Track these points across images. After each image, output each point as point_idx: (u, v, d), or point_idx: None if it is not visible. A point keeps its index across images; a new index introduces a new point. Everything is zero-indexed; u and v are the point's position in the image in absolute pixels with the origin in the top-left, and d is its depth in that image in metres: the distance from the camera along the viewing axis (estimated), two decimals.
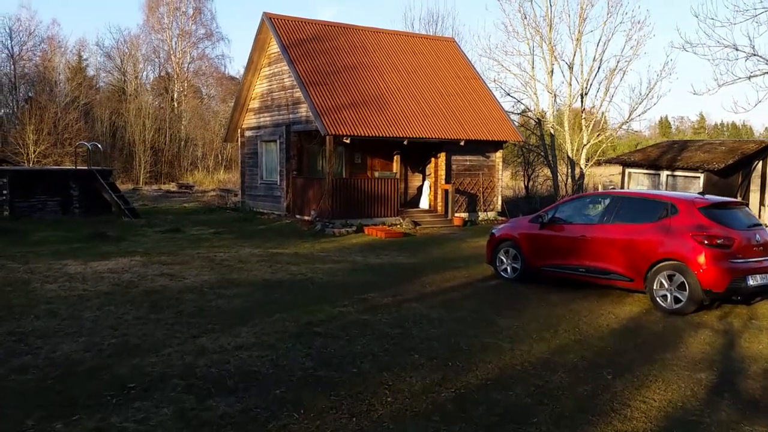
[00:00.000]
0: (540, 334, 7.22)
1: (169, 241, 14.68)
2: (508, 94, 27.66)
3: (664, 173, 19.28)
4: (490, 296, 9.39)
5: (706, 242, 8.22)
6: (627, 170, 20.43)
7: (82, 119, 46.44)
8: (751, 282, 8.28)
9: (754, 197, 18.62)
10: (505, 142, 21.05)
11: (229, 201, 26.55)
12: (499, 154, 21.06)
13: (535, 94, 27.76)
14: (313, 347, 6.34)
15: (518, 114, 29.17)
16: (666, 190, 19.23)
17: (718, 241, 8.19)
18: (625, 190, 10.77)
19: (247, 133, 22.37)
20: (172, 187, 39.76)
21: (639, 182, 20.25)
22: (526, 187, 30.53)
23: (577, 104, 26.91)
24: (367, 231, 17.16)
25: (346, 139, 17.67)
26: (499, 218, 20.99)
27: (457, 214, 19.84)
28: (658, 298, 8.59)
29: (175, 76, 54.16)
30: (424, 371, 5.75)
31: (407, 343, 6.66)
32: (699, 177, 18.33)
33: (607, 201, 9.62)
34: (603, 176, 27.98)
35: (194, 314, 7.57)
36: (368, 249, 14.49)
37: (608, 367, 6.10)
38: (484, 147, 20.67)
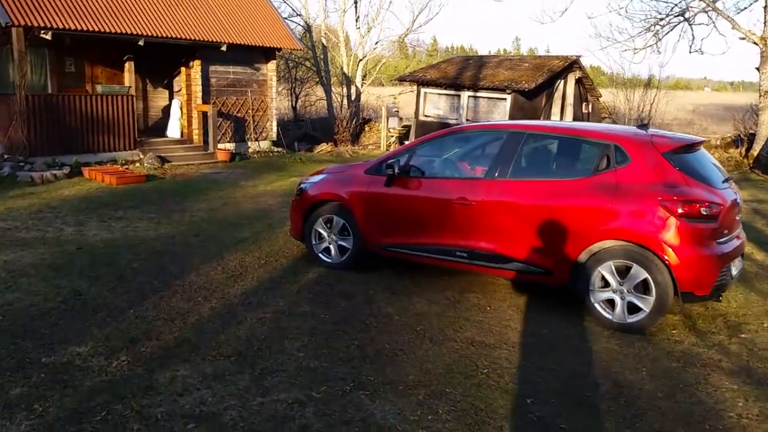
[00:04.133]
0: None
1: None
2: None
3: (466, 94, 16.51)
4: (319, 317, 5.16)
5: (682, 211, 4.94)
6: (422, 90, 17.29)
7: None
8: (734, 271, 5.30)
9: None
10: (279, 50, 16.36)
11: None
12: (271, 65, 16.32)
13: None
14: None
15: (283, 19, 24.31)
16: (467, 114, 16.55)
17: (703, 210, 4.95)
18: (531, 122, 7.06)
19: None
20: None
21: (435, 105, 17.29)
22: (294, 108, 26.18)
23: (352, 12, 23.00)
24: (89, 174, 11.55)
25: (46, 33, 11.47)
26: (275, 149, 16.55)
27: (221, 146, 14.91)
28: (598, 305, 5.21)
29: None
30: None
31: None
32: (506, 99, 15.88)
33: (502, 140, 5.85)
34: (382, 97, 24.87)
35: None
36: (89, 207, 9.16)
37: None
38: (252, 56, 15.75)
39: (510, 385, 4.05)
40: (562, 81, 16.82)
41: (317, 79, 24.50)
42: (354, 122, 20.59)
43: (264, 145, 16.46)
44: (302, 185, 6.99)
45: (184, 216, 9.00)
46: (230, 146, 15.36)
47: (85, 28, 11.91)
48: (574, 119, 16.89)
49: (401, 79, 17.80)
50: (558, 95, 16.88)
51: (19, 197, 9.69)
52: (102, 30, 12.18)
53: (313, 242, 6.71)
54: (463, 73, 16.93)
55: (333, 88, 23.05)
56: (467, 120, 16.38)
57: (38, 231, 7.64)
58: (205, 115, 14.67)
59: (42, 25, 11.28)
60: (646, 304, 4.99)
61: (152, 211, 9.17)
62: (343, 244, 6.54)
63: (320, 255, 6.68)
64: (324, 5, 23.48)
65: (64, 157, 12.12)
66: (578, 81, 17.27)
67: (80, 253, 6.74)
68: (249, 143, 16.06)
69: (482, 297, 5.79)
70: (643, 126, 5.70)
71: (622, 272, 5.09)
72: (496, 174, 5.65)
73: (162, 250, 7.02)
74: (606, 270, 5.14)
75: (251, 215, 9.26)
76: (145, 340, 4.48)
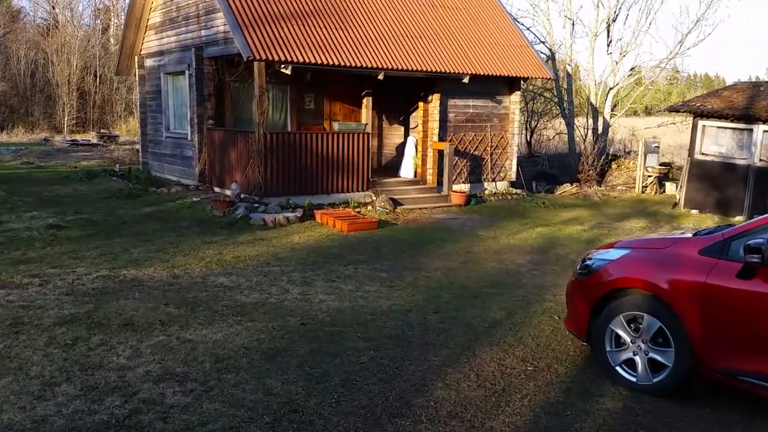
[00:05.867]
0: None
1: None
2: (516, 20, 20.95)
3: (761, 128, 13.09)
4: None
5: None
6: (700, 122, 14.18)
7: None
8: None
9: None
10: (525, 79, 14.56)
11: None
12: (515, 97, 14.56)
13: (548, 19, 21.24)
14: None
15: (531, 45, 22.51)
16: (761, 153, 13.12)
17: None
18: None
19: (148, 63, 15.38)
20: (91, 137, 32.42)
21: (715, 140, 14.05)
22: (529, 143, 24.13)
23: (604, 36, 20.41)
24: (321, 218, 10.70)
25: (285, 67, 10.96)
26: (513, 191, 14.68)
27: (455, 187, 13.43)
28: None
29: (112, 7, 45.96)
30: None
31: None
32: None
33: None
34: (636, 130, 21.76)
35: None
36: (317, 261, 8.06)
37: None
38: (495, 87, 14.15)
39: None
40: None
41: (555, 112, 22.30)
42: (603, 159, 17.97)
43: (501, 186, 14.68)
44: (589, 261, 4.96)
45: (419, 277, 7.47)
46: (465, 187, 13.82)
47: (325, 62, 11.22)
48: None
49: (672, 110, 14.86)
50: None
51: (249, 243, 8.98)
52: (342, 64, 11.41)
53: (608, 348, 4.64)
54: (756, 102, 13.52)
55: (574, 121, 20.64)
56: (761, 160, 12.98)
57: (260, 292, 6.59)
58: (440, 153, 13.32)
59: (282, 59, 10.77)
60: None
61: (384, 269, 7.80)
62: (657, 357, 4.38)
63: (618, 369, 4.58)
64: (571, 30, 21.11)
65: (297, 197, 11.50)
66: None
67: (302, 332, 5.43)
68: (485, 184, 14.39)
69: None
70: None
71: None
72: None
73: (396, 334, 5.45)
74: None
75: (497, 281, 7.44)
76: None
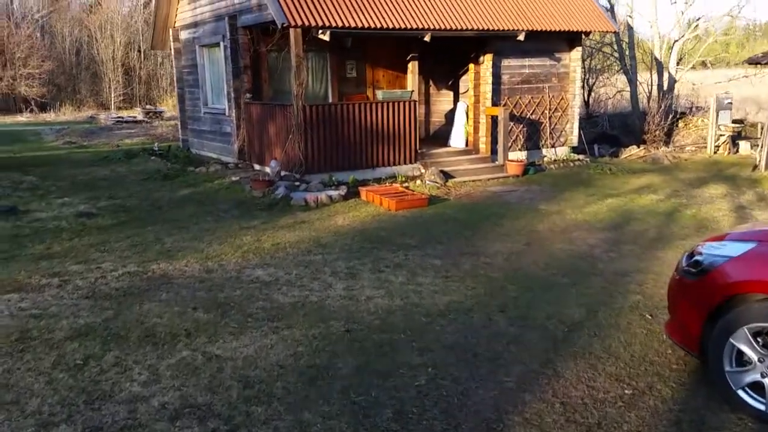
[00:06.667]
0: None
1: None
2: None
3: None
4: None
5: None
6: None
7: (39, 34, 39.20)
8: None
9: None
10: (587, 34, 13.25)
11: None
12: (575, 54, 13.27)
13: None
14: None
15: None
16: None
17: None
18: None
19: (183, 35, 14.67)
20: (137, 113, 32.27)
21: None
22: (587, 103, 22.61)
23: None
24: (366, 196, 9.87)
25: (323, 33, 10.04)
26: (575, 156, 13.51)
27: (511, 155, 12.36)
28: None
29: None
30: None
31: None
32: None
33: None
34: (699, 84, 19.97)
35: None
36: (363, 247, 7.26)
37: None
38: (552, 44, 12.89)
39: None
40: None
41: (616, 68, 20.70)
42: (671, 118, 16.52)
43: (561, 152, 13.52)
44: (699, 258, 3.98)
45: (478, 264, 6.59)
46: (522, 156, 12.74)
47: (366, 25, 10.25)
48: None
49: (752, 62, 13.34)
50: None
51: (289, 228, 8.24)
52: (385, 26, 10.42)
53: (727, 368, 3.69)
54: None
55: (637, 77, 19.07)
56: None
57: (300, 288, 5.83)
58: (494, 119, 12.24)
59: (320, 23, 9.84)
60: None
61: (437, 254, 6.95)
62: None
63: (741, 393, 3.64)
64: None
65: (340, 173, 10.69)
66: None
67: (347, 341, 4.65)
68: (544, 151, 13.27)
69: None
70: None
71: None
72: None
73: (457, 343, 4.61)
74: None
75: (569, 266, 6.49)
76: None
